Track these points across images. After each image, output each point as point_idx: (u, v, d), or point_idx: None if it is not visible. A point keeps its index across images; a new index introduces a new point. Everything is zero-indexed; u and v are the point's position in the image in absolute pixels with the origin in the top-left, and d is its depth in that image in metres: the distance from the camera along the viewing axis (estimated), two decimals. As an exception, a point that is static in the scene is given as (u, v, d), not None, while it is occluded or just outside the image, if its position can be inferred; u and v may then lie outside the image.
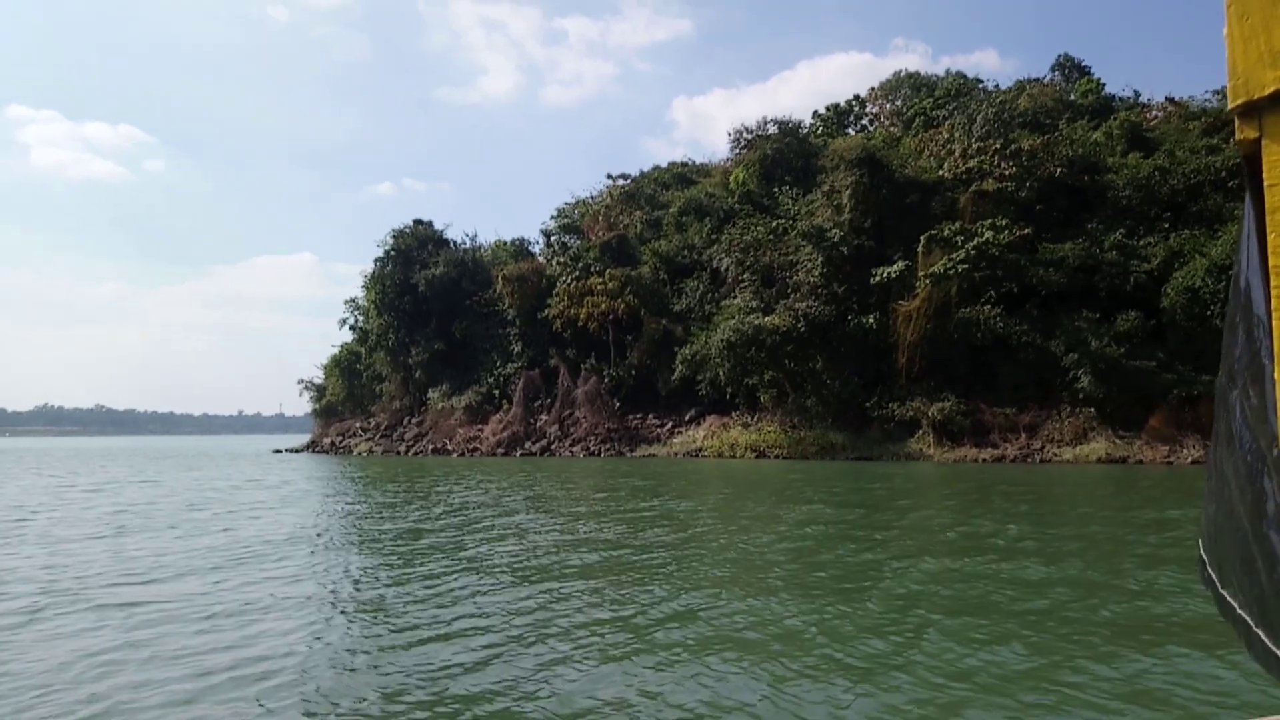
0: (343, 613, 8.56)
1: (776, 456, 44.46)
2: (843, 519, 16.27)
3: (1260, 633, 1.25)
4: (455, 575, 10.54)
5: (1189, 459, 34.28)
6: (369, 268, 66.81)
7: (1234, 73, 0.94)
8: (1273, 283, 0.91)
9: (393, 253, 65.09)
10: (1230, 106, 0.95)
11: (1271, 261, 0.91)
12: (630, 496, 21.84)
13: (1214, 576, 1.53)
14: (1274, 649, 1.19)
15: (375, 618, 8.30)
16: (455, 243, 67.96)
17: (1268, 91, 0.90)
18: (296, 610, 8.62)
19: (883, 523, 15.78)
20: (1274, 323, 0.91)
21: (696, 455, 47.46)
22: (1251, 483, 1.21)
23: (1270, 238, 0.91)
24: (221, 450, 77.81)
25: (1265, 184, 0.92)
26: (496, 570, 10.85)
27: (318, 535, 14.94)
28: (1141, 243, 42.02)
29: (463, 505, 19.99)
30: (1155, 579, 9.76)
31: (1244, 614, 1.33)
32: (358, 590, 9.85)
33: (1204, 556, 1.61)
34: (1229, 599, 1.41)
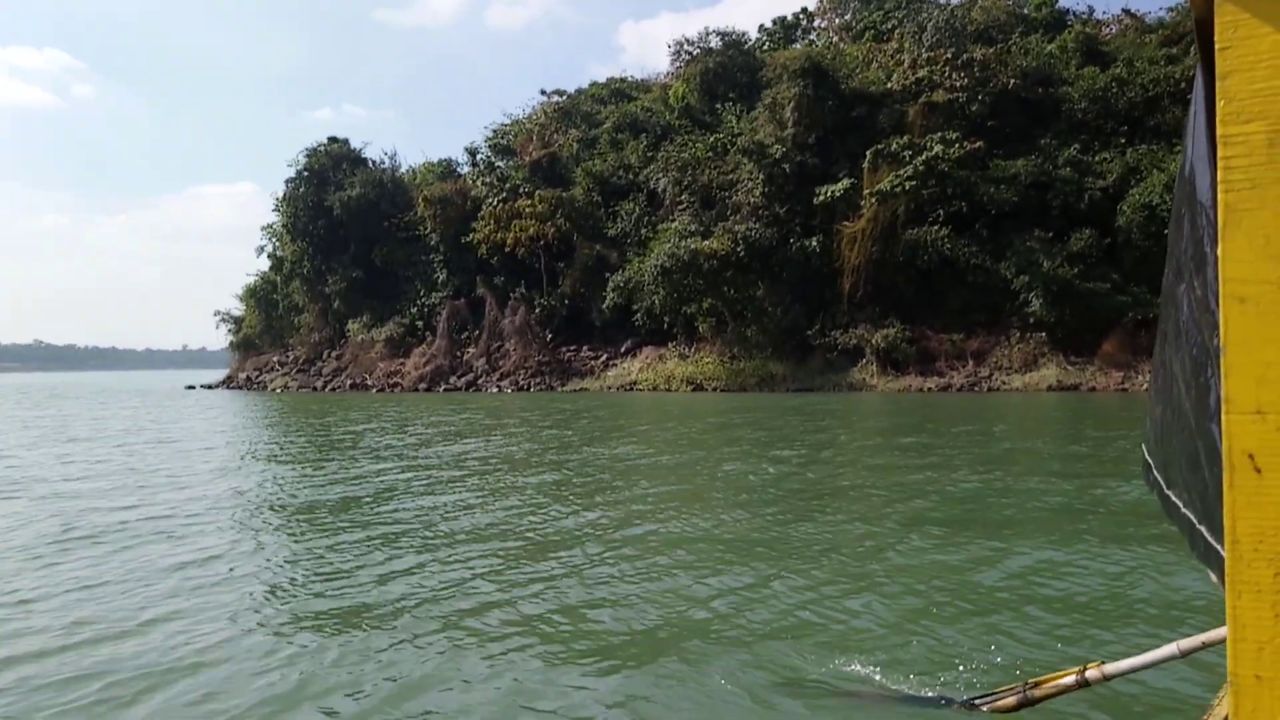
0: None
1: (714, 389, 41.95)
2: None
3: (1203, 529, 1.25)
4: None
5: (1144, 385, 32.43)
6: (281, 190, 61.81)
7: None
8: (1220, 153, 0.84)
9: (305, 172, 59.81)
10: None
11: (1220, 131, 0.84)
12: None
13: (1159, 479, 1.54)
14: (1215, 545, 1.17)
15: None
16: (374, 162, 62.83)
17: None
18: None
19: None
20: (1219, 197, 0.83)
21: (630, 389, 44.75)
22: (1197, 377, 1.20)
23: (1220, 105, 0.84)
24: (130, 387, 72.73)
25: (1217, 48, 0.84)
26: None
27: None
28: (1097, 158, 39.81)
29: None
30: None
31: (1188, 512, 1.34)
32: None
33: (1148, 459, 1.64)
34: (1174, 499, 1.43)
